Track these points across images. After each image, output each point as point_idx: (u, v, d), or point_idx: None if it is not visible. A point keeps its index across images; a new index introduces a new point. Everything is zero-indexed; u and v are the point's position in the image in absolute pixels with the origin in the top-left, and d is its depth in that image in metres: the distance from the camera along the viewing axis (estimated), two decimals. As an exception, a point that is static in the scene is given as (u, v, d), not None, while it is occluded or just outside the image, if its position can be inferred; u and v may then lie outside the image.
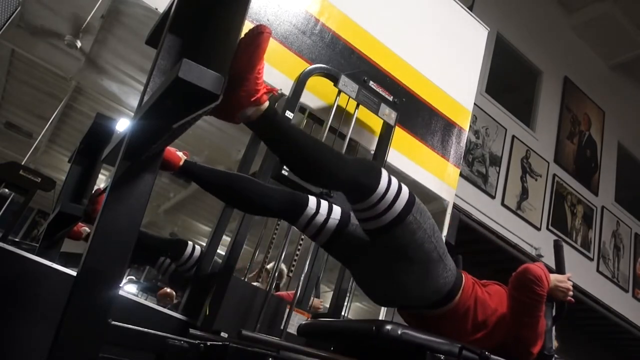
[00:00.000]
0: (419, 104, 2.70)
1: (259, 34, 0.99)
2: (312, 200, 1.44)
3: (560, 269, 1.58)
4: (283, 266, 2.61)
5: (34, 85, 4.60)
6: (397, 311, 1.53)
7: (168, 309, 1.87)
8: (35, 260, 1.55)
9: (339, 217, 1.42)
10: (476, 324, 1.37)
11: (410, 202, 1.26)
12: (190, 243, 2.31)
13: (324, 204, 1.45)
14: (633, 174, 6.91)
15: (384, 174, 1.27)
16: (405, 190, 1.28)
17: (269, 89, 1.07)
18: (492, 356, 1.23)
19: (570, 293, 1.49)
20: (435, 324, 1.38)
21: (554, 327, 1.48)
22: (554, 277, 1.47)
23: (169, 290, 3.00)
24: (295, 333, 1.76)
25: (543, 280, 1.36)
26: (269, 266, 2.51)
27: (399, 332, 1.18)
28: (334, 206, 1.45)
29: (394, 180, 1.28)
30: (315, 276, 2.24)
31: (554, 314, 1.49)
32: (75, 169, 1.79)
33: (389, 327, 1.18)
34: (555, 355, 1.46)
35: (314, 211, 1.41)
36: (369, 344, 1.32)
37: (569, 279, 1.51)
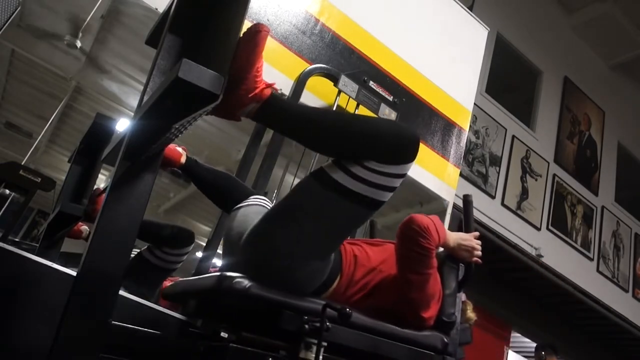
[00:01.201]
0: (419, 104, 2.70)
1: (257, 32, 0.99)
2: (256, 196, 1.48)
3: (467, 226, 1.41)
4: None
5: (34, 85, 4.61)
6: None
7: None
8: (35, 260, 1.54)
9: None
10: (366, 294, 1.23)
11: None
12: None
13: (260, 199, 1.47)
14: (633, 174, 6.91)
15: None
16: None
17: (268, 84, 1.07)
18: (355, 314, 1.03)
19: (477, 253, 1.34)
20: None
21: (460, 292, 1.33)
22: (458, 235, 1.33)
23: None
24: None
25: (430, 231, 1.18)
26: None
27: (246, 285, 0.97)
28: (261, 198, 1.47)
29: None
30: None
31: (460, 277, 1.34)
32: (75, 169, 1.79)
33: (235, 280, 0.97)
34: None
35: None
36: (217, 302, 1.10)
37: (477, 238, 1.36)
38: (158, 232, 2.17)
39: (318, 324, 0.96)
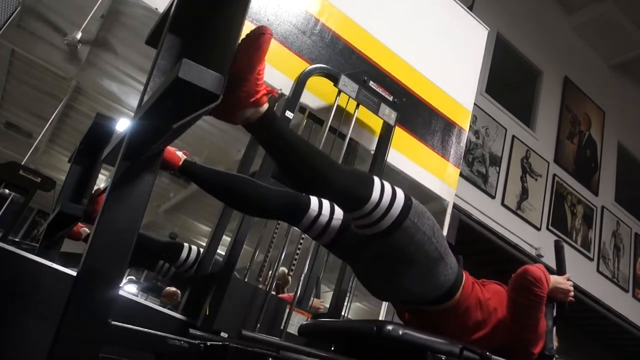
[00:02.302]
0: (419, 104, 2.70)
1: (260, 35, 0.99)
2: (314, 201, 1.42)
3: (560, 269, 1.58)
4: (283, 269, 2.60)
5: (34, 85, 4.60)
6: (392, 304, 1.53)
7: (168, 308, 1.87)
8: (35, 260, 1.55)
9: (341, 217, 1.41)
10: (476, 323, 1.37)
11: (407, 207, 1.25)
12: (185, 245, 2.31)
13: (326, 203, 1.42)
14: (633, 174, 6.91)
15: (377, 182, 1.27)
16: (400, 195, 1.26)
17: (269, 90, 1.07)
18: (493, 356, 1.22)
19: (571, 294, 1.50)
20: (435, 321, 1.38)
21: (554, 328, 1.48)
22: (554, 278, 1.47)
23: (173, 289, 3.00)
24: (296, 333, 1.77)
25: (543, 281, 1.36)
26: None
27: (400, 332, 1.19)
28: (336, 206, 1.43)
29: (388, 187, 1.26)
30: (315, 276, 2.24)
31: (554, 314, 1.50)
32: (75, 169, 1.79)
33: (390, 327, 1.19)
34: (556, 356, 1.45)
35: (316, 212, 1.40)
36: (369, 344, 1.31)
37: (568, 279, 1.51)
38: (148, 259, 2.32)
39: None
